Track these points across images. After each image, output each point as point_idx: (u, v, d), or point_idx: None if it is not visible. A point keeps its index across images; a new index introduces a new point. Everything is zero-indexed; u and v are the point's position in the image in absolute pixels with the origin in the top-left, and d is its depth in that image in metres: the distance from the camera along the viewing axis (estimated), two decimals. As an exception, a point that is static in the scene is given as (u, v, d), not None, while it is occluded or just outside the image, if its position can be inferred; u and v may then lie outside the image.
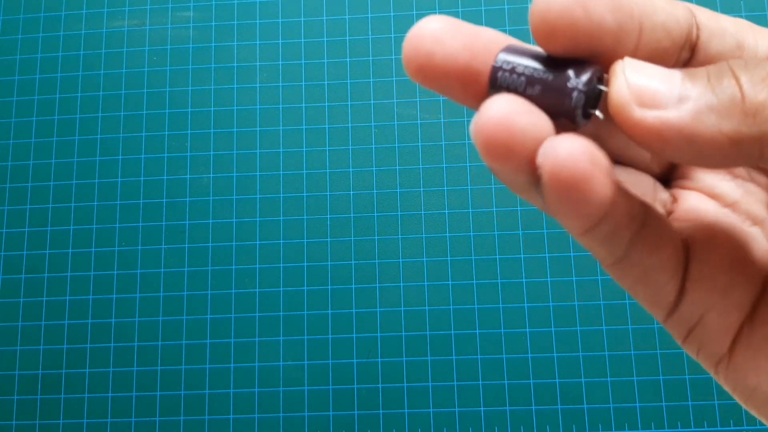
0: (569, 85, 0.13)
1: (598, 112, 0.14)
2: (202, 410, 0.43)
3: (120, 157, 0.47)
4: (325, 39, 0.48)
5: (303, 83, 0.47)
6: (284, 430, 0.42)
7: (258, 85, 0.47)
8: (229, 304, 0.44)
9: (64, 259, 0.45)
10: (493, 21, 0.47)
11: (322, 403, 0.42)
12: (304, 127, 0.46)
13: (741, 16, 0.46)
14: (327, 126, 0.46)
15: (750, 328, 0.15)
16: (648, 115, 0.12)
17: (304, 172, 0.46)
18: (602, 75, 0.14)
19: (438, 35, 0.14)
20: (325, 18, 0.48)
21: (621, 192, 0.14)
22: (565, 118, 0.13)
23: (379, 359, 0.43)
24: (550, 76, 0.13)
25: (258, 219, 0.45)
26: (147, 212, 0.46)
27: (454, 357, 0.43)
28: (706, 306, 0.15)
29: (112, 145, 0.47)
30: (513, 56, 0.14)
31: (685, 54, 0.14)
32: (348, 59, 0.47)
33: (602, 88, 0.14)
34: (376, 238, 0.44)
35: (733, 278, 0.15)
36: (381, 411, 0.42)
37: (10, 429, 0.43)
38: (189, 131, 0.47)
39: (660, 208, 0.16)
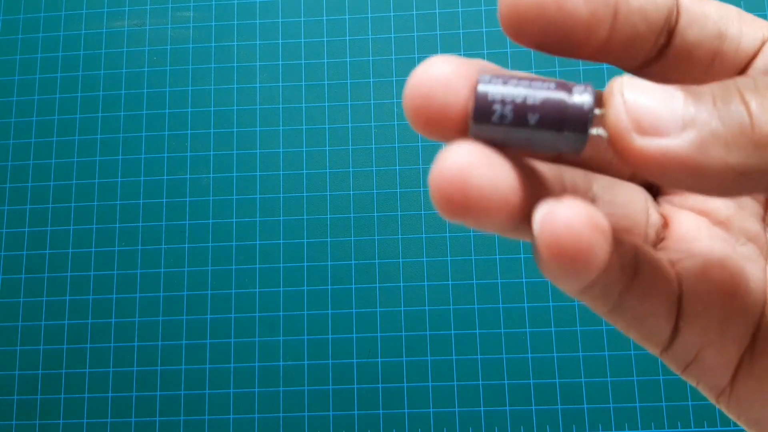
0: (572, 105, 0.12)
1: (597, 131, 0.13)
2: (202, 410, 0.43)
3: (120, 157, 0.47)
4: (325, 39, 0.48)
5: (303, 83, 0.47)
6: (284, 430, 0.42)
7: (258, 85, 0.47)
8: (229, 304, 0.44)
9: (64, 259, 0.45)
10: (494, 20, 0.47)
11: (322, 403, 0.42)
12: (304, 127, 0.46)
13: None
14: (327, 126, 0.46)
15: (750, 360, 0.14)
16: (648, 144, 0.11)
17: (304, 172, 0.46)
18: (596, 96, 0.13)
19: (449, 81, 0.12)
20: (325, 18, 0.48)
21: (616, 245, 0.13)
22: (565, 147, 0.12)
23: (379, 359, 0.43)
24: (545, 101, 0.12)
25: (258, 219, 0.45)
26: (147, 212, 0.46)
27: (454, 357, 0.43)
28: (702, 343, 0.14)
29: (112, 145, 0.47)
30: (495, 85, 0.12)
31: (661, 39, 0.14)
32: (348, 59, 0.47)
33: (596, 111, 0.12)
34: (376, 238, 0.44)
35: (729, 312, 0.14)
36: (381, 411, 0.42)
37: (10, 429, 0.43)
38: (189, 131, 0.47)
39: (652, 234, 0.16)
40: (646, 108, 0.12)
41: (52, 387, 0.44)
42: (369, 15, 0.48)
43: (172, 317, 0.44)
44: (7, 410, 0.43)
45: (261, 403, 0.43)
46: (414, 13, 0.48)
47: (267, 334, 0.43)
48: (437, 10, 0.48)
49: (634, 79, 0.12)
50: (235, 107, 0.47)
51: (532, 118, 0.12)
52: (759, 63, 0.14)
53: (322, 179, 0.45)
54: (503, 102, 0.12)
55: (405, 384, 0.42)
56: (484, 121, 0.12)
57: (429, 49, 0.47)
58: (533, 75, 0.13)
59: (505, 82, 0.12)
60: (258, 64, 0.48)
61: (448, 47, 0.47)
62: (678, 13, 0.14)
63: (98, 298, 0.45)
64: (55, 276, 0.45)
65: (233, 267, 0.45)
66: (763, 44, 0.14)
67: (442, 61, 0.13)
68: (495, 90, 0.12)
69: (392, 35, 0.48)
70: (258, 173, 0.46)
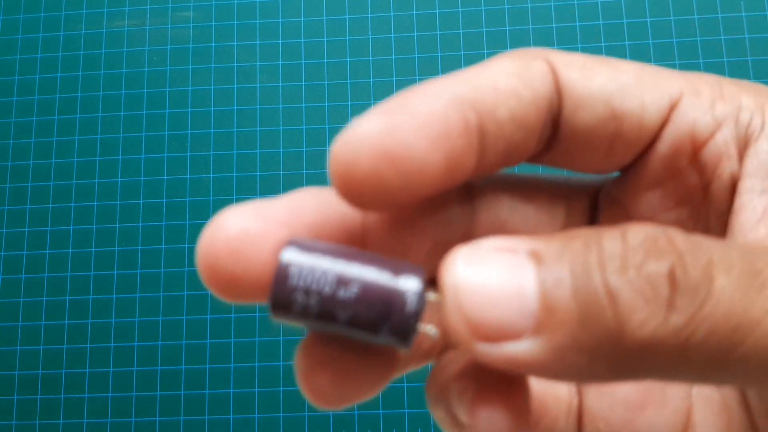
0: (394, 303, 0.10)
1: (429, 328, 0.10)
2: (202, 410, 0.43)
3: (120, 157, 0.47)
4: (325, 39, 0.48)
5: (303, 83, 0.47)
6: (284, 430, 0.42)
7: (258, 85, 0.47)
8: (229, 304, 0.44)
9: (65, 259, 0.45)
10: (494, 21, 0.47)
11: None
12: (304, 127, 0.46)
13: (740, 17, 0.46)
14: (327, 126, 0.46)
15: None
16: (492, 352, 0.09)
17: (304, 172, 0.46)
18: (425, 282, 0.10)
19: (243, 244, 0.10)
20: (325, 18, 0.48)
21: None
22: (389, 343, 0.10)
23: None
24: (360, 294, 0.10)
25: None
26: (147, 212, 0.46)
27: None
28: None
29: (112, 145, 0.47)
30: (303, 258, 0.10)
31: (546, 133, 0.12)
32: (348, 59, 0.47)
33: (431, 297, 0.10)
34: (376, 238, 0.44)
35: None
36: (381, 411, 0.42)
37: (10, 429, 0.43)
38: (189, 131, 0.47)
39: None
40: (488, 305, 0.09)
41: (52, 387, 0.44)
42: (369, 15, 0.48)
43: (172, 317, 0.44)
44: (7, 410, 0.43)
45: (261, 403, 0.43)
46: (414, 13, 0.48)
47: (267, 334, 0.43)
48: (437, 10, 0.48)
49: (473, 253, 0.10)
50: (235, 107, 0.47)
51: (343, 314, 0.10)
52: (667, 136, 0.12)
53: (322, 179, 0.45)
54: (307, 292, 0.10)
55: (405, 384, 0.42)
56: (282, 311, 0.10)
57: (429, 48, 0.47)
58: (355, 250, 0.10)
59: (316, 258, 0.10)
60: (258, 64, 0.48)
61: (448, 47, 0.47)
62: (560, 98, 0.11)
63: (98, 298, 0.45)
64: (55, 276, 0.45)
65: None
66: (671, 109, 0.11)
67: (240, 214, 0.11)
68: (299, 272, 0.10)
69: (392, 35, 0.48)
70: (258, 173, 0.46)
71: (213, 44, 0.48)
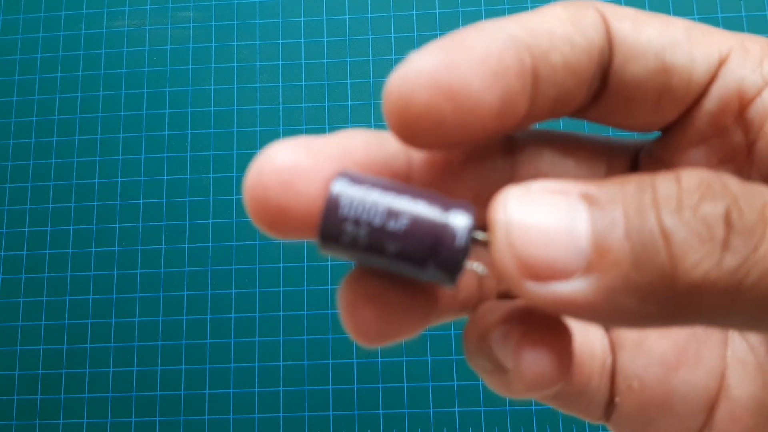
0: (444, 236, 0.10)
1: (477, 265, 0.10)
2: (202, 410, 0.43)
3: (120, 157, 0.47)
4: (325, 39, 0.48)
5: (303, 83, 0.47)
6: (284, 430, 0.42)
7: (258, 85, 0.47)
8: (229, 304, 0.44)
9: (64, 259, 0.45)
10: (493, 21, 0.47)
11: (322, 403, 0.42)
12: (304, 127, 0.46)
13: (740, 17, 0.46)
14: (327, 126, 0.46)
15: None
16: (542, 291, 0.09)
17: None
18: (476, 219, 0.10)
19: (293, 176, 0.10)
20: (325, 18, 0.48)
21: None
22: (436, 278, 0.10)
23: (379, 359, 0.43)
24: (409, 227, 0.10)
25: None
26: (147, 212, 0.46)
27: (454, 357, 0.42)
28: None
29: (112, 145, 0.47)
30: (354, 190, 0.10)
31: (595, 84, 0.11)
32: (348, 59, 0.47)
33: (479, 236, 0.10)
34: (376, 238, 0.44)
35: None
36: (381, 411, 0.42)
37: (10, 429, 0.43)
38: (189, 131, 0.47)
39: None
40: (538, 244, 0.09)
41: (52, 387, 0.44)
42: (369, 15, 0.48)
43: (172, 317, 0.44)
44: (7, 410, 0.43)
45: (261, 403, 0.42)
46: (414, 13, 0.48)
47: (267, 334, 0.43)
48: (437, 10, 0.48)
49: (525, 192, 0.10)
50: (235, 107, 0.47)
51: (391, 247, 0.10)
52: (715, 93, 0.11)
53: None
54: (357, 223, 0.10)
55: (405, 384, 0.42)
56: (331, 242, 0.10)
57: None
58: (404, 185, 0.10)
59: (366, 190, 0.10)
60: (258, 64, 0.48)
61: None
62: (611, 48, 0.11)
63: (98, 298, 0.45)
64: (55, 276, 0.45)
65: (233, 267, 0.45)
66: (720, 66, 0.11)
67: (289, 148, 0.11)
68: (350, 202, 0.10)
69: (392, 35, 0.48)
70: (258, 173, 0.45)
71: (213, 44, 0.48)
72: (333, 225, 0.10)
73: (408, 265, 0.10)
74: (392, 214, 0.10)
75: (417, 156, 0.12)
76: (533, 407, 0.42)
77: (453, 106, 0.10)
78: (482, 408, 0.42)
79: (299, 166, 0.10)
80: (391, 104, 0.10)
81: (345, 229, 0.10)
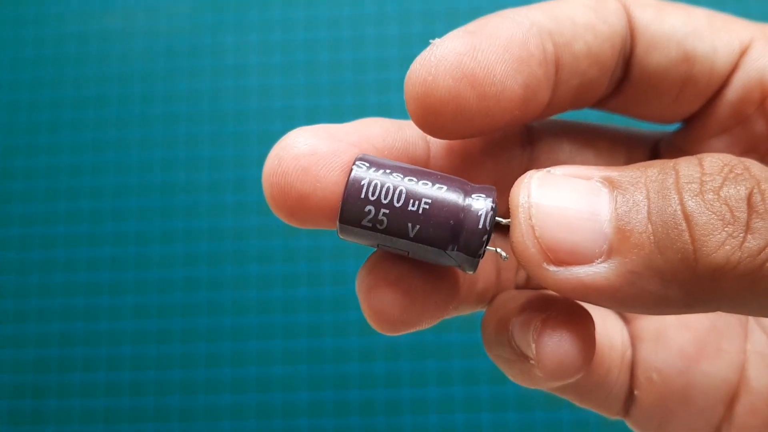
0: (465, 220, 0.09)
1: (499, 250, 0.10)
2: (200, 416, 0.42)
3: (119, 156, 0.46)
4: (325, 38, 0.47)
5: (303, 83, 0.47)
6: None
7: (256, 83, 0.47)
8: (227, 308, 0.43)
9: (63, 259, 0.45)
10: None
11: (321, 409, 0.42)
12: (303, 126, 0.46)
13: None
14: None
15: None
16: (563, 276, 0.09)
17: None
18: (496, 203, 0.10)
19: (314, 161, 0.10)
20: (325, 18, 0.48)
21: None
22: (457, 262, 0.10)
23: (379, 363, 0.42)
24: (430, 209, 0.09)
25: (257, 219, 0.44)
26: (146, 212, 0.45)
27: (455, 362, 0.42)
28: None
29: (109, 144, 0.46)
30: (374, 174, 0.10)
31: (618, 73, 0.11)
32: (348, 59, 0.47)
33: (501, 220, 0.10)
34: (376, 240, 0.44)
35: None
36: (381, 417, 0.41)
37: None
38: (188, 131, 0.46)
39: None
40: (560, 228, 0.09)
41: (44, 392, 0.43)
42: (368, 12, 0.48)
43: (167, 321, 0.43)
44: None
45: (260, 408, 0.42)
46: (415, 8, 0.48)
47: (264, 339, 0.43)
48: (438, 7, 0.48)
49: (547, 176, 0.09)
50: (232, 106, 0.46)
51: (412, 229, 0.10)
52: (737, 82, 0.11)
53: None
54: (378, 204, 0.10)
55: (406, 389, 0.42)
56: (353, 225, 0.10)
57: (430, 47, 0.47)
58: (424, 169, 0.10)
59: (387, 173, 0.10)
60: (256, 61, 0.47)
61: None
62: (633, 37, 0.11)
63: (93, 301, 0.44)
64: (54, 276, 0.44)
65: (231, 269, 0.44)
66: (741, 55, 0.11)
67: (309, 134, 0.11)
68: (370, 184, 0.10)
69: (392, 34, 0.47)
70: (257, 173, 0.45)
71: (209, 41, 0.48)
72: (354, 207, 0.10)
73: (429, 247, 0.10)
74: (413, 196, 0.09)
75: (435, 144, 0.11)
76: (535, 412, 0.41)
77: (475, 92, 0.09)
78: (483, 414, 0.41)
79: (318, 153, 0.10)
80: (413, 91, 0.10)
81: (366, 212, 0.10)
